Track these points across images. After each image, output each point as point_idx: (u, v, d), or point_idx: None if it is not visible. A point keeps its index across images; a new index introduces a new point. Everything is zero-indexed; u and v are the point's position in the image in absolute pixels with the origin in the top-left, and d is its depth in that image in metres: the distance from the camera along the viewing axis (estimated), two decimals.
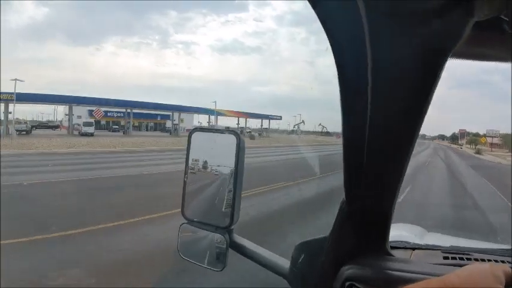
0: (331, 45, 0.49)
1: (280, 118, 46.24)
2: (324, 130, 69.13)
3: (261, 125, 56.33)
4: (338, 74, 0.52)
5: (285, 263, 0.70)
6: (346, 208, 0.64)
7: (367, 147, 0.56)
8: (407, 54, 0.45)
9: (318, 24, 0.48)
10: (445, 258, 0.78)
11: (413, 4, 0.40)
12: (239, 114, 44.47)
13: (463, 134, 55.25)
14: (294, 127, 62.14)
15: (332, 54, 0.50)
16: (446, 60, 0.45)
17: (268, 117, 46.86)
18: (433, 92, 0.47)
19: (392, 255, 0.68)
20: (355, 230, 0.65)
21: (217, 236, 0.68)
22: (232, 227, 0.68)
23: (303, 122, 63.00)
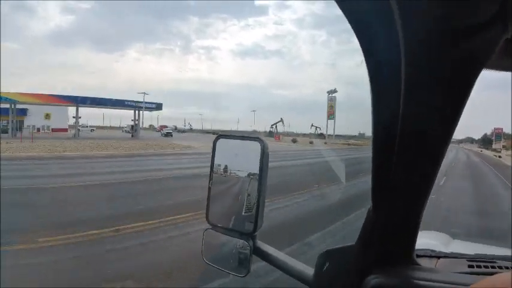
0: (361, 43, 0.50)
1: (158, 107, 36.89)
2: (317, 131, 68.05)
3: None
4: (370, 82, 0.52)
5: (309, 271, 0.69)
6: (374, 216, 0.63)
7: (396, 154, 0.55)
8: (444, 64, 0.46)
9: (339, 26, 0.57)
10: (470, 266, 0.78)
11: (451, 19, 0.42)
12: (50, 99, 29.67)
13: (500, 134, 45.53)
14: (271, 127, 61.65)
15: (365, 61, 0.51)
16: (480, 71, 0.46)
17: (135, 105, 33.73)
18: (466, 101, 0.48)
19: (419, 264, 0.67)
20: (381, 238, 0.64)
21: (241, 242, 0.69)
22: (256, 233, 0.68)
23: (281, 121, 62.46)
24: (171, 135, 40.63)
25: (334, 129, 48.91)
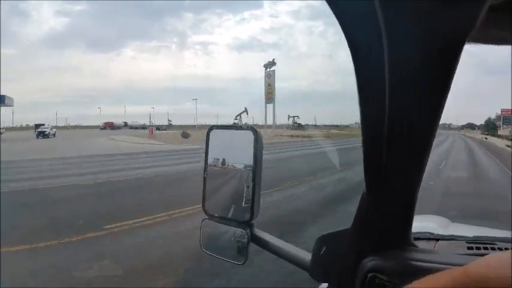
0: (346, 37, 0.50)
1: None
2: (295, 123, 60.72)
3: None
4: (354, 66, 0.52)
5: (306, 256, 0.70)
6: (368, 200, 0.63)
7: (386, 138, 0.55)
8: (423, 41, 0.45)
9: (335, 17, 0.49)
10: (469, 248, 0.78)
11: None
12: None
13: (508, 117, 36.68)
14: (235, 118, 55.03)
15: (347, 46, 0.51)
16: (463, 46, 0.45)
17: None
18: (452, 78, 0.47)
19: (416, 246, 0.67)
20: (377, 221, 0.64)
21: (239, 231, 0.70)
22: (253, 221, 0.69)
23: (245, 111, 55.53)
24: (48, 137, 31.85)
25: (274, 115, 41.91)
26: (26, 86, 76.51)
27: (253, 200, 0.67)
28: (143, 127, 51.46)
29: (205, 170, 0.73)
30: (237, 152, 0.71)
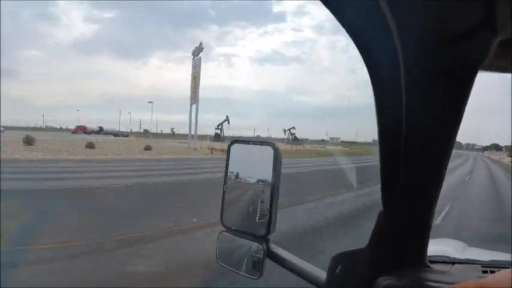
0: (366, 63, 0.53)
1: None
2: (291, 136, 54.85)
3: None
4: (373, 89, 0.54)
5: (321, 274, 0.70)
6: (384, 220, 0.63)
7: (403, 158, 0.56)
8: (440, 67, 0.48)
9: None
10: (484, 272, 0.77)
11: (444, 25, 0.44)
12: None
13: None
14: (216, 127, 49.53)
15: (367, 71, 0.53)
16: (476, 73, 0.47)
17: None
18: (466, 103, 0.50)
19: (431, 268, 0.67)
20: (393, 241, 0.64)
21: (255, 245, 0.71)
22: (269, 236, 0.70)
23: (227, 119, 50.07)
24: None
25: (196, 121, 32.28)
26: (51, 88, 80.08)
27: (270, 215, 0.68)
28: (125, 135, 49.72)
29: (225, 182, 0.74)
30: (256, 167, 0.73)
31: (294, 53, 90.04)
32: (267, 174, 0.69)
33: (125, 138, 41.88)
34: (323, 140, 62.42)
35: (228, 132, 50.52)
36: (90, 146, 21.88)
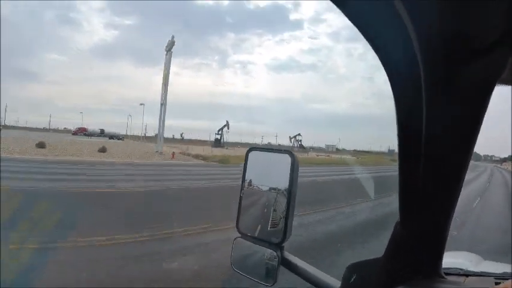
0: (388, 74, 0.54)
1: None
2: (296, 144, 52.91)
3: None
4: (395, 101, 0.55)
5: (335, 283, 0.69)
6: (401, 230, 0.63)
7: (422, 171, 0.57)
8: (459, 81, 0.50)
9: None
10: (497, 283, 0.78)
11: (463, 38, 0.46)
12: None
13: None
14: (217, 132, 48.24)
15: (388, 80, 0.55)
16: (494, 86, 0.49)
17: None
18: (483, 114, 0.51)
19: (445, 279, 0.67)
20: (408, 252, 0.64)
21: (269, 252, 0.71)
22: (284, 244, 0.70)
23: (227, 125, 48.80)
24: None
25: (161, 126, 27.76)
26: (72, 91, 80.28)
27: (286, 222, 0.68)
28: (120, 138, 47.87)
29: (241, 189, 0.75)
30: (273, 174, 0.73)
31: (310, 61, 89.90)
32: (284, 182, 0.69)
33: (117, 141, 40.89)
34: (322, 148, 60.61)
35: (235, 137, 49.66)
36: (41, 145, 19.80)
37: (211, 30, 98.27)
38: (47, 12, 71.32)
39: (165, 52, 29.79)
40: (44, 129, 52.21)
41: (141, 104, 40.79)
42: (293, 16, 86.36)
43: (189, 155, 25.40)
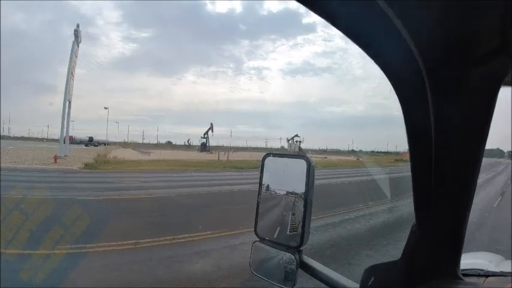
0: (390, 81, 0.55)
1: None
2: (294, 146, 50.90)
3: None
4: (400, 103, 0.56)
5: (353, 286, 0.69)
6: (417, 232, 0.63)
7: (434, 170, 0.57)
8: (464, 86, 0.51)
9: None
10: None
11: (465, 45, 0.47)
12: None
13: None
14: (202, 136, 47.08)
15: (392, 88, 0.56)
16: (498, 89, 0.50)
17: None
18: (491, 115, 0.52)
19: (463, 280, 0.66)
20: (426, 253, 0.64)
21: (288, 256, 0.72)
22: (302, 247, 0.71)
23: (211, 128, 47.68)
24: None
25: (66, 126, 24.25)
26: (93, 103, 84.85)
27: (303, 226, 0.69)
28: (95, 145, 46.94)
29: (259, 194, 0.76)
30: (289, 179, 0.74)
31: (325, 64, 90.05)
32: (300, 187, 0.70)
33: (90, 147, 40.43)
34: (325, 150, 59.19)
35: (252, 142, 48.26)
36: None
37: (225, 39, 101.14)
38: (66, 28, 73.19)
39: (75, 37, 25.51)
40: (51, 140, 51.46)
41: (105, 108, 38.33)
42: (306, 20, 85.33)
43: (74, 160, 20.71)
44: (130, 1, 70.04)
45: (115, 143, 50.99)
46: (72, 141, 45.06)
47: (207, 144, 46.29)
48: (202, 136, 46.73)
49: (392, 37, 0.48)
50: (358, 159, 35.11)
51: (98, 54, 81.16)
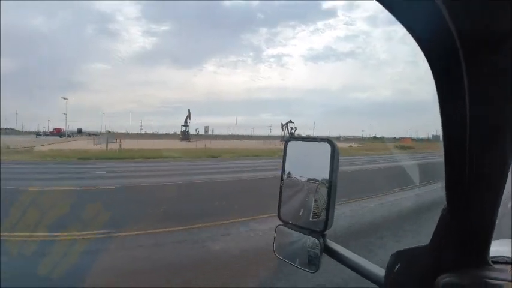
0: (433, 72, 0.54)
1: None
2: (287, 132, 50.83)
3: None
4: (436, 86, 0.54)
5: (379, 271, 0.69)
6: (448, 217, 0.62)
7: (468, 155, 0.56)
8: (501, 67, 0.49)
9: None
10: None
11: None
12: None
13: None
14: (183, 124, 46.52)
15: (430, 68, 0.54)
16: None
17: None
18: None
19: (493, 267, 0.64)
20: (455, 239, 0.63)
21: (311, 240, 0.72)
22: (326, 231, 0.71)
23: (188, 115, 47.02)
24: None
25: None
26: (116, 97, 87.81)
27: (327, 210, 0.69)
28: (69, 135, 48.15)
29: (282, 178, 0.76)
30: (313, 164, 0.73)
31: (348, 48, 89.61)
32: (323, 171, 0.69)
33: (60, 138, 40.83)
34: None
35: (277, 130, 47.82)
36: None
37: (243, 28, 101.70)
38: (88, 25, 76.58)
39: None
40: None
41: (64, 98, 36.90)
42: (326, 5, 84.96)
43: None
44: None
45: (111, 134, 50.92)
46: (60, 133, 44.93)
47: (187, 132, 45.38)
48: (183, 124, 45.79)
49: (434, 18, 0.47)
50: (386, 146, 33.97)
51: (120, 49, 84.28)
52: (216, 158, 20.48)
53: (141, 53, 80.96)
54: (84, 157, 17.74)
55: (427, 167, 10.85)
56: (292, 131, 49.05)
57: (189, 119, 45.43)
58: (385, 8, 0.50)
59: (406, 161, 17.45)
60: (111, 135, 33.46)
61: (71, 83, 77.88)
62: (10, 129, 55.82)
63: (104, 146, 24.30)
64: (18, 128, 59.50)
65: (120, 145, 24.87)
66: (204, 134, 56.84)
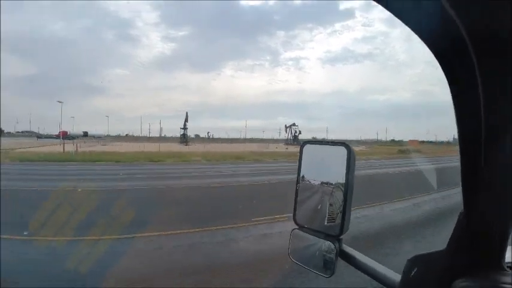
0: (442, 67, 0.55)
1: None
2: (291, 135, 49.80)
3: None
4: (451, 91, 0.55)
5: (395, 276, 0.68)
6: (464, 221, 0.62)
7: (484, 159, 0.56)
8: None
9: None
10: None
11: None
12: None
13: None
14: (182, 127, 45.72)
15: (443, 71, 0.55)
16: None
17: None
18: None
19: (509, 271, 0.64)
20: (471, 243, 0.63)
21: (327, 244, 0.71)
22: (342, 236, 0.70)
23: (186, 118, 46.38)
24: None
25: None
26: (137, 101, 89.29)
27: (343, 215, 0.68)
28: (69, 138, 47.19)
29: (297, 182, 0.76)
30: (329, 167, 0.73)
31: (366, 50, 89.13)
32: (339, 175, 0.69)
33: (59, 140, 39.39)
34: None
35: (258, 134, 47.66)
36: None
37: (261, 31, 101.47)
38: (108, 31, 77.80)
39: None
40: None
41: (59, 102, 35.71)
42: (343, 6, 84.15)
43: None
44: (166, 1, 73.55)
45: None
46: (66, 136, 45.60)
47: (186, 136, 45.59)
48: (182, 127, 46.05)
49: (443, 20, 0.48)
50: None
51: (139, 54, 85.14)
52: (154, 163, 19.15)
53: (161, 57, 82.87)
54: (30, 159, 18.19)
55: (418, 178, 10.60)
56: (296, 134, 48.53)
57: (187, 121, 45.75)
58: (393, 14, 0.51)
59: (404, 166, 16.62)
60: (90, 139, 33.43)
61: (90, 87, 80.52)
62: (29, 131, 57.33)
63: (72, 149, 24.69)
64: (40, 130, 60.25)
65: (77, 149, 24.98)
66: (207, 137, 57.15)
